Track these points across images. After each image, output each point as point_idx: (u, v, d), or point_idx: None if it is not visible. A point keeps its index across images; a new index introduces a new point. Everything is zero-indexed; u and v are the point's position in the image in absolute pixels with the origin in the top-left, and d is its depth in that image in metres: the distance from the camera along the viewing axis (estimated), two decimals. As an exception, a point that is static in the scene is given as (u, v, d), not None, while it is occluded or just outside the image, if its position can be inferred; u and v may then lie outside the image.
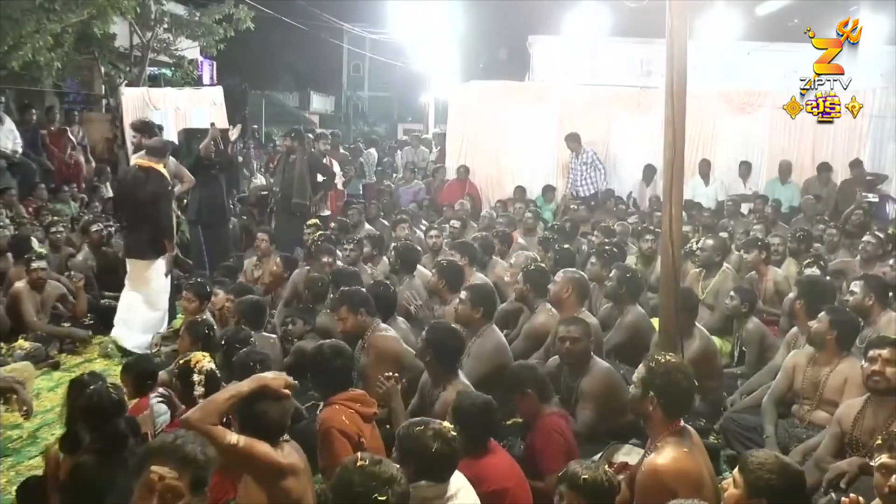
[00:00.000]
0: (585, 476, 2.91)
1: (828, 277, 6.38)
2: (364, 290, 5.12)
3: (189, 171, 7.81)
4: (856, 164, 10.88)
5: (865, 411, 3.78)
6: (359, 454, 2.59)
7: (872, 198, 10.26)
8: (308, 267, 6.91)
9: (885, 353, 3.74)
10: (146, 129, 7.58)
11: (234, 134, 9.49)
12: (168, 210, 6.78)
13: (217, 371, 3.94)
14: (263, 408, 3.10)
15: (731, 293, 5.78)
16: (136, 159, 6.97)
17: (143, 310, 6.78)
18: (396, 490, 2.46)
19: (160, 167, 6.78)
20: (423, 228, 9.10)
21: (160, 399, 4.39)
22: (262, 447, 3.03)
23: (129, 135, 7.79)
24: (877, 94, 11.01)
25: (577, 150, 11.38)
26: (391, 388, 4.24)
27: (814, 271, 6.21)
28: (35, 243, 7.48)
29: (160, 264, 6.82)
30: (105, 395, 3.58)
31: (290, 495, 3.07)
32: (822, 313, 4.47)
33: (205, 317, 5.53)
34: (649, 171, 11.39)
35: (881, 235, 7.18)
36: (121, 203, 6.78)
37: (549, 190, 11.65)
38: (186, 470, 2.43)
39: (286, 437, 3.22)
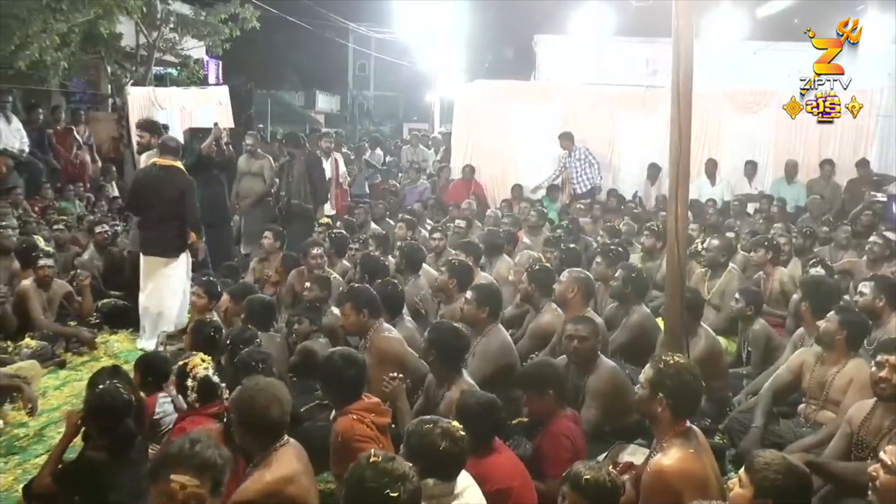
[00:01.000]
0: (588, 476, 2.90)
1: (835, 276, 6.36)
2: (372, 290, 5.10)
3: (191, 171, 7.83)
4: (863, 164, 10.84)
5: (875, 412, 3.75)
6: (372, 451, 2.61)
7: (881, 197, 10.23)
8: (304, 267, 6.92)
9: (892, 359, 3.70)
10: (155, 128, 7.61)
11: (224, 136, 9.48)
12: (195, 205, 6.94)
13: (212, 377, 3.90)
14: (264, 409, 3.12)
15: (736, 295, 5.75)
16: (152, 159, 6.99)
17: (157, 308, 6.84)
18: (408, 487, 2.48)
19: (179, 164, 6.89)
20: (429, 228, 9.11)
21: (167, 399, 4.41)
22: (253, 488, 3.03)
23: (135, 134, 7.83)
24: (884, 93, 10.98)
25: (570, 149, 11.39)
26: (396, 387, 4.24)
27: (818, 271, 6.19)
28: (41, 242, 7.50)
29: (180, 262, 6.90)
30: (117, 395, 3.59)
31: (295, 501, 3.08)
32: (832, 313, 4.45)
33: (213, 318, 5.53)
34: (653, 171, 11.39)
35: (888, 236, 7.16)
36: (143, 202, 6.81)
37: (553, 189, 11.65)
38: (206, 475, 2.44)
39: (286, 438, 3.23)
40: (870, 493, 2.87)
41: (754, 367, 5.54)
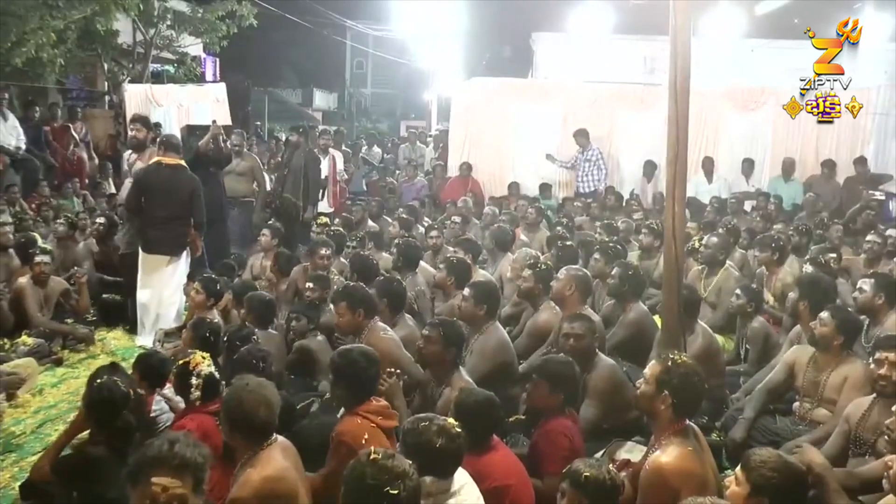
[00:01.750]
0: (587, 474, 2.90)
1: (838, 278, 6.35)
2: (368, 289, 5.07)
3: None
4: (860, 162, 10.85)
5: (872, 409, 3.75)
6: (372, 448, 2.61)
7: (878, 196, 10.23)
8: (308, 264, 6.92)
9: (892, 356, 3.70)
10: (149, 124, 7.60)
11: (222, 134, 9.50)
12: (203, 204, 6.97)
13: (216, 375, 3.91)
14: (252, 409, 3.13)
15: (737, 292, 5.73)
16: (156, 157, 6.98)
17: (157, 306, 6.85)
18: (408, 485, 2.49)
19: (184, 163, 6.92)
20: (426, 225, 9.10)
21: (164, 398, 4.41)
22: (243, 492, 3.03)
23: (131, 129, 7.78)
24: (880, 91, 10.99)
25: (585, 146, 11.39)
26: (393, 385, 4.22)
27: (807, 268, 6.18)
28: (38, 239, 7.48)
29: (181, 260, 6.92)
30: (115, 388, 3.59)
31: (284, 498, 3.11)
32: (827, 315, 4.38)
33: (213, 317, 5.50)
34: (650, 168, 11.38)
35: (887, 234, 7.17)
36: (149, 201, 6.80)
37: (545, 188, 11.65)
38: (187, 475, 2.43)
39: (274, 437, 3.23)
40: (884, 482, 2.89)
41: (751, 365, 5.53)
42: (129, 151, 7.68)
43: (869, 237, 7.11)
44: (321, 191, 10.38)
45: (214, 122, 8.95)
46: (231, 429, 3.20)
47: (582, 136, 11.37)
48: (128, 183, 7.28)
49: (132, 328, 7.06)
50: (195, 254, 7.16)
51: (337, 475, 3.38)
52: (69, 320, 6.94)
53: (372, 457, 2.52)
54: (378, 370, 3.75)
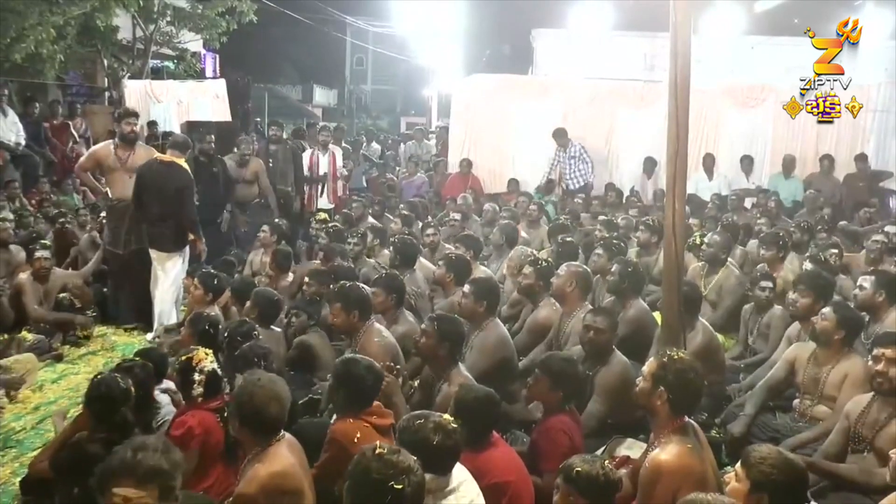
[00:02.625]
0: (579, 468, 2.88)
1: (841, 275, 6.36)
2: (363, 289, 5.03)
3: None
4: (861, 159, 10.84)
5: (871, 406, 3.76)
6: (377, 443, 2.61)
7: None
8: (316, 261, 6.94)
9: (889, 352, 3.70)
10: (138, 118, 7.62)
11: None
12: (194, 203, 6.97)
13: (218, 371, 3.90)
14: (263, 405, 3.13)
15: (762, 283, 5.81)
16: (155, 154, 6.99)
17: (159, 302, 6.86)
18: (413, 480, 2.49)
19: (182, 161, 6.89)
20: (423, 223, 9.09)
21: (164, 391, 4.41)
22: (250, 487, 3.04)
23: (127, 123, 7.60)
24: (881, 89, 10.98)
25: (566, 145, 11.37)
26: (391, 382, 4.20)
27: (807, 265, 6.19)
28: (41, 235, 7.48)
29: (179, 257, 6.91)
30: (113, 384, 3.60)
31: (291, 494, 3.11)
32: (828, 310, 4.40)
33: (212, 312, 5.50)
34: (649, 164, 11.36)
35: (888, 231, 7.18)
36: (144, 197, 6.80)
37: (548, 183, 11.62)
38: (152, 484, 2.36)
39: (282, 433, 3.23)
40: (887, 473, 2.89)
41: (769, 351, 5.51)
42: (111, 143, 7.42)
43: (875, 237, 7.10)
44: (320, 187, 10.42)
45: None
46: (241, 424, 3.19)
47: (560, 135, 11.34)
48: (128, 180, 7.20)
49: (132, 324, 7.07)
50: (199, 258, 7.17)
51: (324, 470, 3.42)
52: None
53: (377, 451, 2.52)
54: (381, 384, 3.73)
